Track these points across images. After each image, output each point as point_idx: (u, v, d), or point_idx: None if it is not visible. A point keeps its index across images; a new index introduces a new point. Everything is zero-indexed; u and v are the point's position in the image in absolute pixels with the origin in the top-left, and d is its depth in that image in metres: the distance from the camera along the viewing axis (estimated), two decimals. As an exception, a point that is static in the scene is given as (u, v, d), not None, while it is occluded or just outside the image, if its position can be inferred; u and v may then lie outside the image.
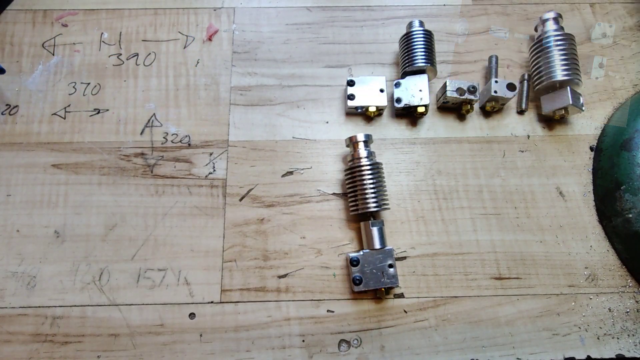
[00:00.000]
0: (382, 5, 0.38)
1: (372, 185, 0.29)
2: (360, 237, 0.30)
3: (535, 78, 0.33)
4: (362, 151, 0.30)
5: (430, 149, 0.33)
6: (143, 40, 0.36)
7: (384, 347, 0.28)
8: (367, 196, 0.29)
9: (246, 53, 0.36)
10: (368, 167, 0.29)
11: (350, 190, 0.30)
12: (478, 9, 0.38)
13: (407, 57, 0.33)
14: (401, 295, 0.29)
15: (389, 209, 0.30)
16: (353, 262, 0.28)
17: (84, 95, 0.34)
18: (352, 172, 0.29)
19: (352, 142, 0.30)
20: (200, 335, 0.28)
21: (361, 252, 0.29)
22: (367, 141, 0.30)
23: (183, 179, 0.32)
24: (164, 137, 0.33)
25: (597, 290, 0.30)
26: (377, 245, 0.29)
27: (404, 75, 0.33)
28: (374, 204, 0.28)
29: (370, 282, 0.28)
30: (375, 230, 0.29)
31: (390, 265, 0.28)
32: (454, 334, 0.29)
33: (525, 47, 0.36)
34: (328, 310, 0.29)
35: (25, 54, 0.35)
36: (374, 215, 0.30)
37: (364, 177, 0.29)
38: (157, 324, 0.28)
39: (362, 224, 0.30)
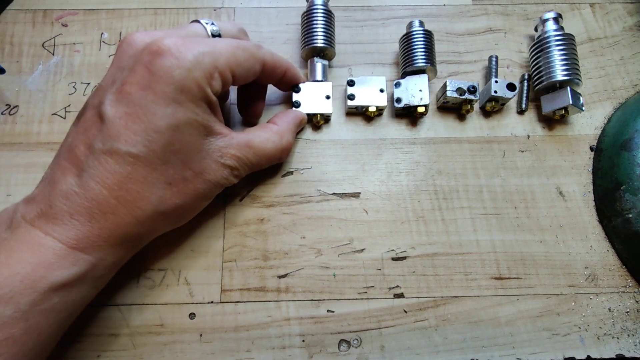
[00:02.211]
0: (382, 5, 0.38)
1: (322, 25, 0.33)
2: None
3: (535, 78, 0.33)
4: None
5: (430, 149, 0.33)
6: (143, 40, 0.36)
7: (384, 347, 0.28)
8: (318, 32, 0.33)
9: (246, 53, 0.36)
10: (321, 9, 0.33)
11: (305, 28, 0.34)
12: (478, 9, 0.38)
13: (407, 57, 0.33)
14: (401, 295, 0.29)
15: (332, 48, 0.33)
16: (295, 89, 0.32)
17: (84, 95, 0.34)
18: (308, 14, 0.33)
19: None
20: (200, 335, 0.28)
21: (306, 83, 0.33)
22: None
23: (183, 179, 0.32)
24: None
25: (597, 290, 0.30)
26: (319, 78, 0.33)
27: (404, 75, 0.33)
28: (322, 41, 0.32)
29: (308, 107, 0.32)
30: (319, 66, 0.33)
31: (328, 97, 0.33)
32: (454, 334, 0.29)
33: (525, 47, 0.37)
34: (328, 310, 0.29)
35: (25, 54, 0.35)
36: (324, 52, 0.33)
37: (318, 18, 0.33)
38: (157, 324, 0.28)
39: (309, 60, 0.34)
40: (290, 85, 0.32)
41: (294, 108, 0.32)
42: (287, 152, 0.30)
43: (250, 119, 0.33)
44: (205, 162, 0.24)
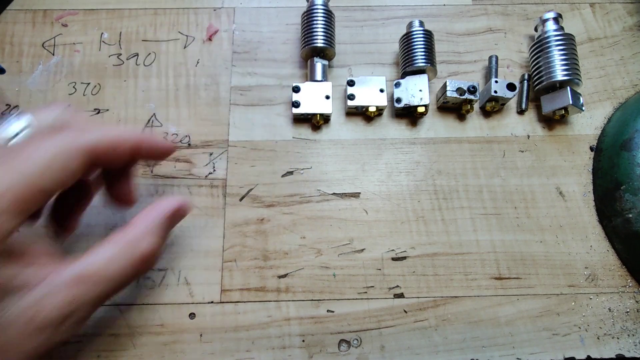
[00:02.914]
0: (382, 5, 0.38)
1: (323, 25, 0.33)
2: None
3: (535, 78, 0.33)
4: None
5: (430, 149, 0.33)
6: (143, 40, 0.36)
7: (384, 347, 0.28)
8: (318, 32, 0.33)
9: (246, 53, 0.36)
10: (322, 9, 0.33)
11: (305, 28, 0.34)
12: (478, 9, 0.38)
13: (407, 57, 0.33)
14: (401, 295, 0.29)
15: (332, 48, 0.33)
16: (295, 89, 0.33)
17: (84, 95, 0.34)
18: (308, 14, 0.33)
19: None
20: (200, 335, 0.28)
21: (305, 83, 0.33)
22: None
23: (183, 179, 0.32)
24: (164, 137, 0.33)
25: (597, 290, 0.30)
26: (319, 78, 0.33)
27: (404, 75, 0.33)
28: (322, 41, 0.33)
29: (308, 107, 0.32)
30: (319, 66, 0.33)
31: (327, 97, 0.33)
32: (454, 334, 0.29)
33: (525, 47, 0.37)
34: (328, 310, 0.29)
35: (25, 54, 0.35)
36: (324, 52, 0.34)
37: (318, 18, 0.33)
38: (157, 324, 0.28)
39: (309, 60, 0.34)
40: (158, 158, 0.25)
41: (175, 197, 0.25)
42: (152, 258, 0.22)
43: (123, 207, 0.26)
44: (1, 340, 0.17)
